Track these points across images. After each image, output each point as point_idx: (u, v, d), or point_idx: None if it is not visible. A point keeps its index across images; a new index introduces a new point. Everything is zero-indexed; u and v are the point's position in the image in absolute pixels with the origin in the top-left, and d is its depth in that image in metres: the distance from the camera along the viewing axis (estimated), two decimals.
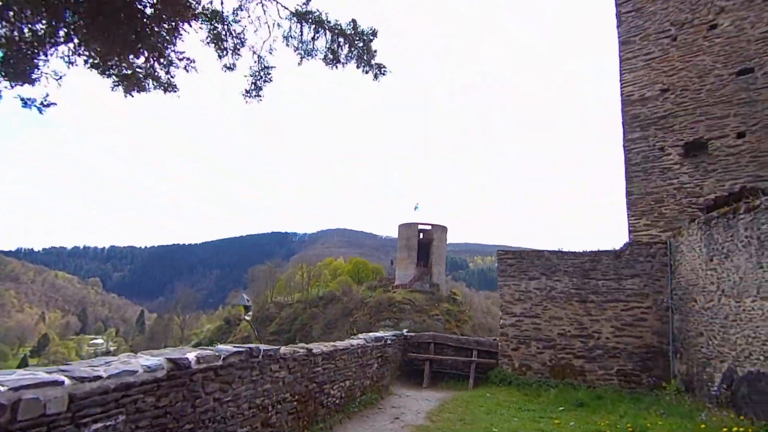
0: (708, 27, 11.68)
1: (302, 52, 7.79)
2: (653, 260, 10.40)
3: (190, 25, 6.74)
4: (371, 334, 10.16)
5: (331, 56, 7.75)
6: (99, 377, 3.01)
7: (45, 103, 5.80)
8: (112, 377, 3.12)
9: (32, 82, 5.63)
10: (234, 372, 4.59)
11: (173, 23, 6.40)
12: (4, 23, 5.36)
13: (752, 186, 10.14)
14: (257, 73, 7.76)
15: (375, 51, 7.85)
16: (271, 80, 7.90)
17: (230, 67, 7.51)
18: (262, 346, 5.27)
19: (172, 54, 6.55)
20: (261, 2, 7.31)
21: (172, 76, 6.73)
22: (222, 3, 8.22)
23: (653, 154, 11.98)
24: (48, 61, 5.66)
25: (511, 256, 12.06)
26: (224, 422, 4.41)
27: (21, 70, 5.43)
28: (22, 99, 5.64)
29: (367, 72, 7.96)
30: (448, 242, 51.48)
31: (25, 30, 5.49)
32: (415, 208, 53.69)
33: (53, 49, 5.65)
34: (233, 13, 7.33)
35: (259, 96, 7.88)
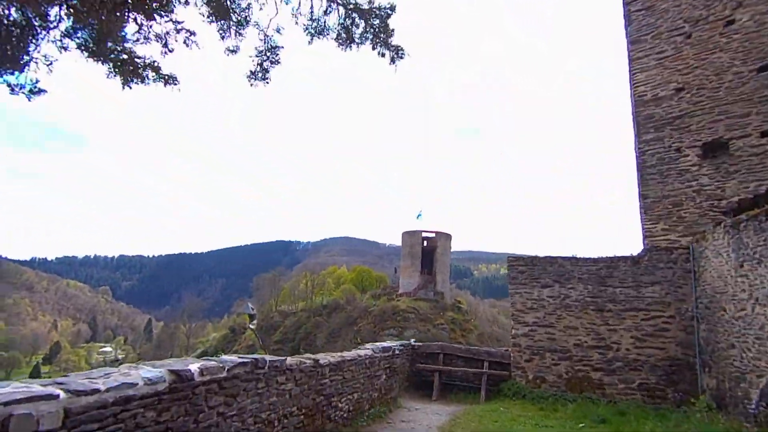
0: (724, 23, 11.28)
1: (312, 31, 7.05)
2: (675, 266, 9.87)
3: None
4: (378, 344, 9.76)
5: (344, 35, 7.00)
6: (97, 390, 2.86)
7: (34, 90, 5.45)
8: (111, 390, 2.96)
9: (21, 68, 5.27)
10: (239, 384, 4.33)
11: None
12: None
13: None
14: (263, 53, 7.03)
15: (393, 30, 7.04)
16: (279, 62, 7.13)
17: (233, 50, 6.84)
18: (268, 357, 4.98)
19: (169, 24, 6.05)
20: None
21: (170, 50, 6.25)
22: None
23: (669, 156, 11.50)
24: (39, 46, 5.31)
25: (523, 262, 11.56)
26: None
27: (9, 55, 5.07)
28: (9, 85, 5.29)
29: (383, 55, 7.19)
30: (452, 250, 50.93)
31: (13, 12, 5.13)
32: (418, 216, 53.21)
33: (44, 32, 5.30)
34: None
35: (266, 79, 7.18)
